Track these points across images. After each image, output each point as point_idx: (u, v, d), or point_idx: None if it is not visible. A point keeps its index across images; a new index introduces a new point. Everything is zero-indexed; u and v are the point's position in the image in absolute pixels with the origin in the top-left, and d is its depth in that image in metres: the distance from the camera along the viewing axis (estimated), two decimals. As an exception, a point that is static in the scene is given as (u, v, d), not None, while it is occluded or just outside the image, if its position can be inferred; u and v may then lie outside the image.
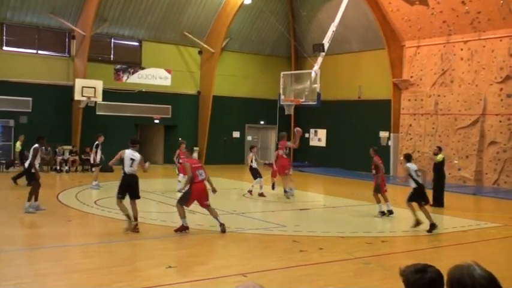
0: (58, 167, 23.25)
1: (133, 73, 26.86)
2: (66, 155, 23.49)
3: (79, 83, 23.85)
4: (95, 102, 24.55)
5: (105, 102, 25.24)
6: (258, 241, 10.59)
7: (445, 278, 2.42)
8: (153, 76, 27.30)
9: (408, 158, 12.59)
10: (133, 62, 27.16)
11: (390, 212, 13.39)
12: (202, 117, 28.82)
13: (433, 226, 11.61)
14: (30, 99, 24.34)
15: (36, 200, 12.44)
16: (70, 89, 24.25)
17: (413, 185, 12.07)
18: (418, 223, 11.75)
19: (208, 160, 26.77)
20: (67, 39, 25.59)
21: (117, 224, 11.66)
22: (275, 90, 25.66)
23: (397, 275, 2.61)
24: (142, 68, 27.15)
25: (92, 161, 19.06)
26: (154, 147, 29.38)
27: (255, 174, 16.51)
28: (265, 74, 29.73)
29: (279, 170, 16.48)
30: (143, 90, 26.92)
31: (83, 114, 24.56)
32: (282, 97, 23.11)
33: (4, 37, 24.18)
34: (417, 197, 11.97)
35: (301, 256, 9.33)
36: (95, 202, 14.45)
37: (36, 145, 12.65)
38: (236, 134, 30.08)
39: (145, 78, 27.09)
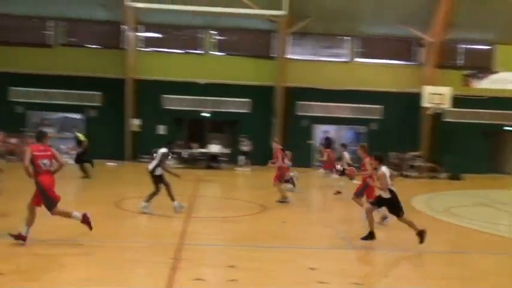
0: (405, 173, 23.93)
1: (483, 78, 25.77)
2: (415, 161, 24.09)
3: (427, 90, 24.16)
4: (443, 108, 24.47)
5: (453, 109, 24.89)
6: None
7: None
8: (508, 80, 25.60)
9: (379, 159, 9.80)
10: (483, 66, 26.07)
11: None
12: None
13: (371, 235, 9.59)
14: (381, 106, 25.79)
15: (172, 200, 11.96)
16: (417, 97, 24.70)
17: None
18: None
19: None
20: (413, 48, 26.22)
21: (468, 235, 11.42)
22: None
23: None
24: (494, 73, 25.79)
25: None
26: (505, 156, 27.60)
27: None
28: None
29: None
30: (498, 96, 25.61)
31: (430, 121, 24.79)
32: None
33: (355, 49, 26.27)
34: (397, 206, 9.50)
35: None
36: (448, 210, 14.38)
37: (165, 149, 12.17)
38: None
39: (497, 83, 25.66)
